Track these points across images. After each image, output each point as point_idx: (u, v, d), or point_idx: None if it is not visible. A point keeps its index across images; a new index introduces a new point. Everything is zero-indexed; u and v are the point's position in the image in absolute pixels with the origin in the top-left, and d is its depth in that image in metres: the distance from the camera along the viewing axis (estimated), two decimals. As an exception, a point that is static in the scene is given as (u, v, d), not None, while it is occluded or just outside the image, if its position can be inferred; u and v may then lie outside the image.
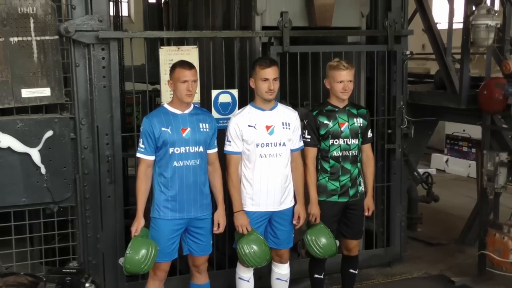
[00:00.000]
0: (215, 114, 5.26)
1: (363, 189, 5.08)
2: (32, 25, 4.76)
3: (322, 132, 4.90)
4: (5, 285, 3.51)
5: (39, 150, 4.84)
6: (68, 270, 3.73)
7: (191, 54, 5.21)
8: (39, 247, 5.21)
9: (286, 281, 5.04)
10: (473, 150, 10.66)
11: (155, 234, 4.51)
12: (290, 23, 5.49)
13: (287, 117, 4.78)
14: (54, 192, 4.92)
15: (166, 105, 4.58)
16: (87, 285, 3.63)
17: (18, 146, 4.78)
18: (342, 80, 4.84)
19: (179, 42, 5.49)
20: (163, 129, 4.43)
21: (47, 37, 4.82)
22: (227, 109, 5.41)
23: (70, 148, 4.99)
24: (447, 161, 11.92)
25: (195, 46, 5.33)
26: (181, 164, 4.46)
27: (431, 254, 6.87)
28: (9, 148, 4.76)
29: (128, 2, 16.68)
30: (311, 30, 5.88)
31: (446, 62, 6.47)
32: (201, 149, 4.52)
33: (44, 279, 3.79)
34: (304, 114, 5.20)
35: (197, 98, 5.00)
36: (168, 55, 5.18)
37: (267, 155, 4.68)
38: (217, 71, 5.53)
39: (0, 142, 4.72)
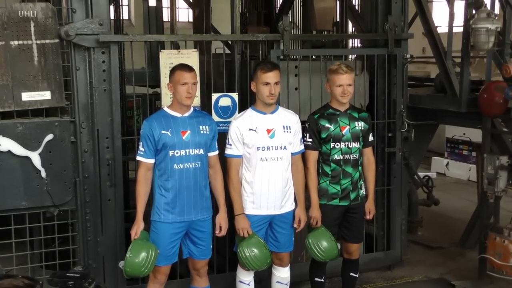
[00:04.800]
0: (215, 118, 5.25)
1: (364, 193, 5.08)
2: (32, 28, 4.76)
3: (323, 135, 4.90)
4: None
5: (39, 154, 4.83)
6: (72, 274, 3.72)
7: (191, 57, 5.21)
8: (39, 250, 5.21)
9: (286, 284, 5.04)
10: (474, 153, 10.66)
11: (155, 237, 4.50)
12: (290, 27, 5.49)
13: (288, 121, 4.78)
14: (54, 195, 4.91)
15: (165, 108, 4.58)
16: (90, 289, 3.62)
17: (18, 149, 4.77)
18: (342, 84, 4.84)
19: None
20: (163, 132, 4.43)
21: (47, 41, 4.82)
22: (227, 112, 5.41)
23: (70, 152, 4.99)
24: (447, 164, 11.93)
25: (196, 50, 5.34)
26: (182, 167, 4.46)
27: (432, 257, 6.87)
28: (9, 151, 4.75)
29: (129, 6, 16.69)
30: (312, 34, 5.89)
31: (446, 65, 6.46)
32: (201, 151, 4.52)
33: (41, 282, 3.78)
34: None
35: (197, 101, 5.00)
36: (168, 59, 5.19)
37: (268, 158, 4.68)
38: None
39: (0, 145, 4.72)
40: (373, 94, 6.17)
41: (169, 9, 9.36)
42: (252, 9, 9.09)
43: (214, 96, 5.38)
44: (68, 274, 3.73)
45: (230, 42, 6.24)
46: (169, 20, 8.29)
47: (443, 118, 7.13)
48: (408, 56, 6.12)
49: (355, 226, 5.10)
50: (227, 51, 5.96)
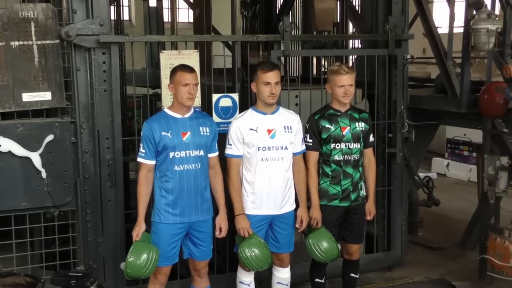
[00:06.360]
0: (215, 118, 5.26)
1: (364, 194, 5.08)
2: (33, 29, 4.77)
3: (324, 136, 4.89)
4: (3, 285, 3.52)
5: (39, 154, 4.84)
6: (74, 274, 3.74)
7: (191, 58, 5.21)
8: (40, 251, 5.21)
9: (286, 285, 5.04)
10: (474, 154, 10.66)
11: (156, 238, 4.50)
12: (290, 27, 5.49)
13: (288, 121, 4.78)
14: (54, 196, 4.91)
15: (166, 109, 4.58)
16: (92, 288, 3.63)
17: (18, 150, 4.77)
18: (343, 85, 4.83)
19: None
20: (163, 133, 4.42)
21: (48, 41, 4.82)
22: (227, 113, 5.41)
23: (70, 152, 4.99)
24: (448, 165, 11.93)
25: (196, 50, 5.34)
26: (182, 168, 4.46)
27: (432, 258, 6.87)
28: (9, 152, 4.75)
29: (129, 6, 16.71)
30: (312, 35, 5.89)
31: (446, 66, 6.46)
32: (201, 153, 4.52)
33: (43, 280, 3.79)
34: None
35: (197, 102, 5.00)
36: (169, 59, 5.19)
37: (268, 158, 4.68)
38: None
39: (1, 146, 4.72)
40: (373, 94, 6.17)
41: (169, 9, 9.38)
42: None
43: (215, 96, 5.39)
44: (70, 274, 3.75)
45: (230, 43, 6.25)
46: (170, 20, 8.32)
47: (444, 119, 7.13)
48: (408, 56, 6.12)
49: (355, 227, 5.10)
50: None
